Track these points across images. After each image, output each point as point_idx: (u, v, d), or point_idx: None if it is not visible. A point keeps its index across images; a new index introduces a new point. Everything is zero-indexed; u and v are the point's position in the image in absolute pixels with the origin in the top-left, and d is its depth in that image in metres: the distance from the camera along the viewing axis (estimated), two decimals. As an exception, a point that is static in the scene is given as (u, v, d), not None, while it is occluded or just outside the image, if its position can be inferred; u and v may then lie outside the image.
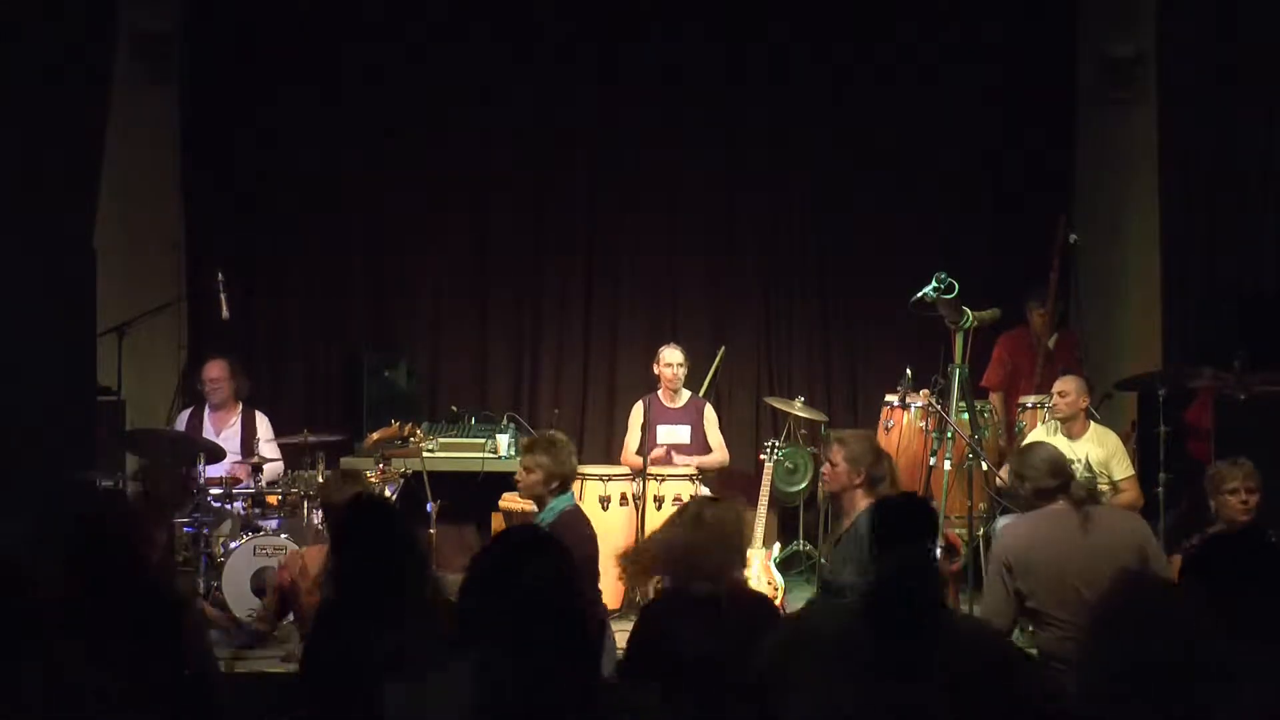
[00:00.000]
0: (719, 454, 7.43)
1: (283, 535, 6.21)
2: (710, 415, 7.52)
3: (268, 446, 7.05)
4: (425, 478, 6.68)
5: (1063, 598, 4.38)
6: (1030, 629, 4.71)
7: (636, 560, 4.14)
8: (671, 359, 7.44)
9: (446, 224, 8.44)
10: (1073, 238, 7.20)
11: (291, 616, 5.28)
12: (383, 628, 3.30)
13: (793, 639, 3.32)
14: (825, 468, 5.13)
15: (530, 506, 6.35)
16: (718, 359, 8.07)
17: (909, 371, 6.90)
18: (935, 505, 6.22)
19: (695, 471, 7.03)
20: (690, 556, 3.83)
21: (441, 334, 8.45)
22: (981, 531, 6.51)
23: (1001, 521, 6.36)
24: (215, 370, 7.25)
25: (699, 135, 8.42)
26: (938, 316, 6.30)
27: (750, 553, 6.80)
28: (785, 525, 7.69)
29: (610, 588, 6.39)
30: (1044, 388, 6.86)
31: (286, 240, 8.38)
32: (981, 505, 6.46)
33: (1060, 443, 6.42)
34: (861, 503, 4.91)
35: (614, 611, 6.31)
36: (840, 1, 8.32)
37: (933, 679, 2.93)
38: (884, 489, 4.93)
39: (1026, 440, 6.62)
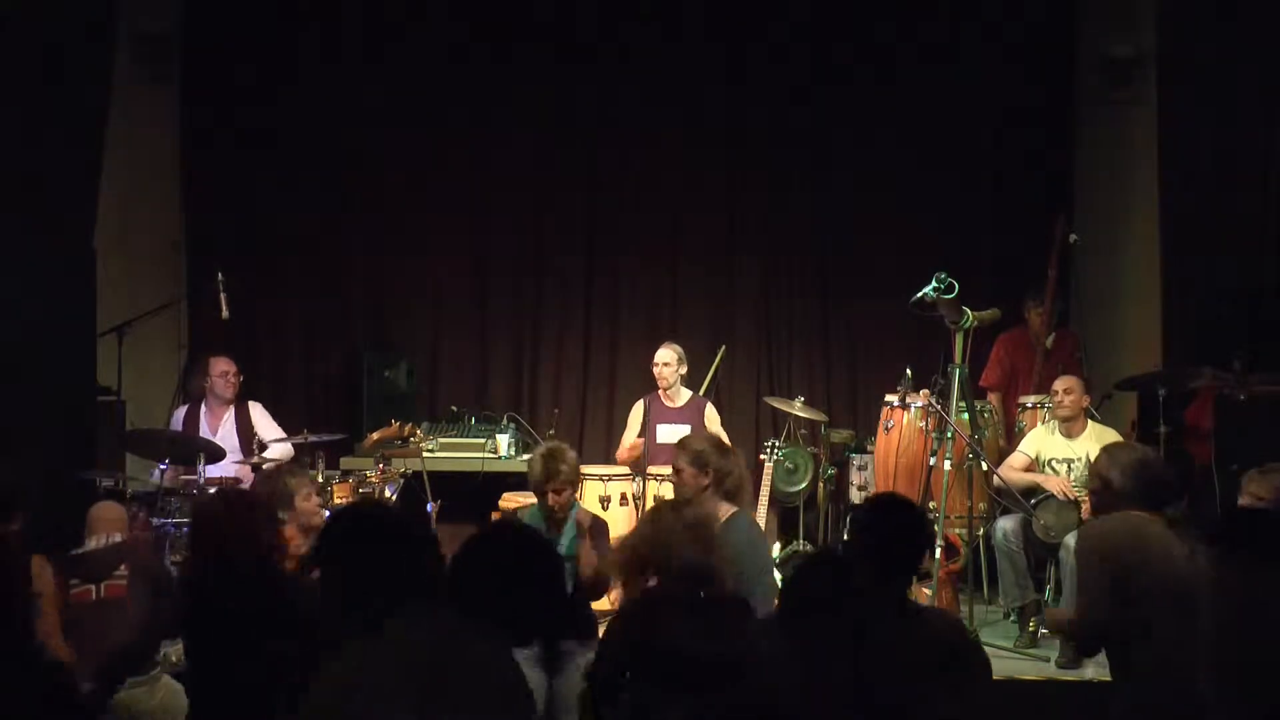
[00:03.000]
0: (725, 451, 7.41)
1: (283, 535, 6.19)
2: (711, 414, 7.51)
3: (272, 430, 7.06)
4: (425, 478, 6.69)
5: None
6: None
7: (624, 567, 4.09)
8: (659, 358, 7.42)
9: (446, 224, 8.45)
10: (1073, 237, 7.21)
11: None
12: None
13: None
14: (672, 476, 5.02)
15: (526, 501, 6.36)
16: (718, 359, 8.07)
17: (909, 371, 6.89)
18: (934, 504, 6.25)
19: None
20: (672, 553, 3.82)
21: (441, 334, 8.46)
22: (981, 531, 6.51)
23: (1003, 521, 6.38)
24: (226, 364, 7.25)
25: (699, 135, 8.42)
26: (938, 316, 6.30)
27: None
28: (785, 525, 7.69)
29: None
30: (1043, 387, 6.86)
31: (286, 240, 8.38)
32: (981, 505, 6.46)
33: (1059, 442, 6.45)
34: (720, 508, 4.80)
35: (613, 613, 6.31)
36: (840, 2, 8.33)
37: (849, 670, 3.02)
38: (733, 484, 4.85)
39: (1030, 437, 6.63)
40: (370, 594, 2.71)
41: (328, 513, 5.96)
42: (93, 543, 4.83)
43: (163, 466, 6.60)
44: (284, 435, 7.10)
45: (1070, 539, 5.97)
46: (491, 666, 2.59)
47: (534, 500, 5.80)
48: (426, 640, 2.57)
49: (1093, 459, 6.24)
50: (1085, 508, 6.13)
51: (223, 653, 3.76)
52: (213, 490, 5.35)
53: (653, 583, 3.86)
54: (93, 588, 4.69)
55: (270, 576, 3.92)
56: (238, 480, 6.79)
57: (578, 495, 6.72)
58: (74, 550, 4.82)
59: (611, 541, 4.88)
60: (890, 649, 3.26)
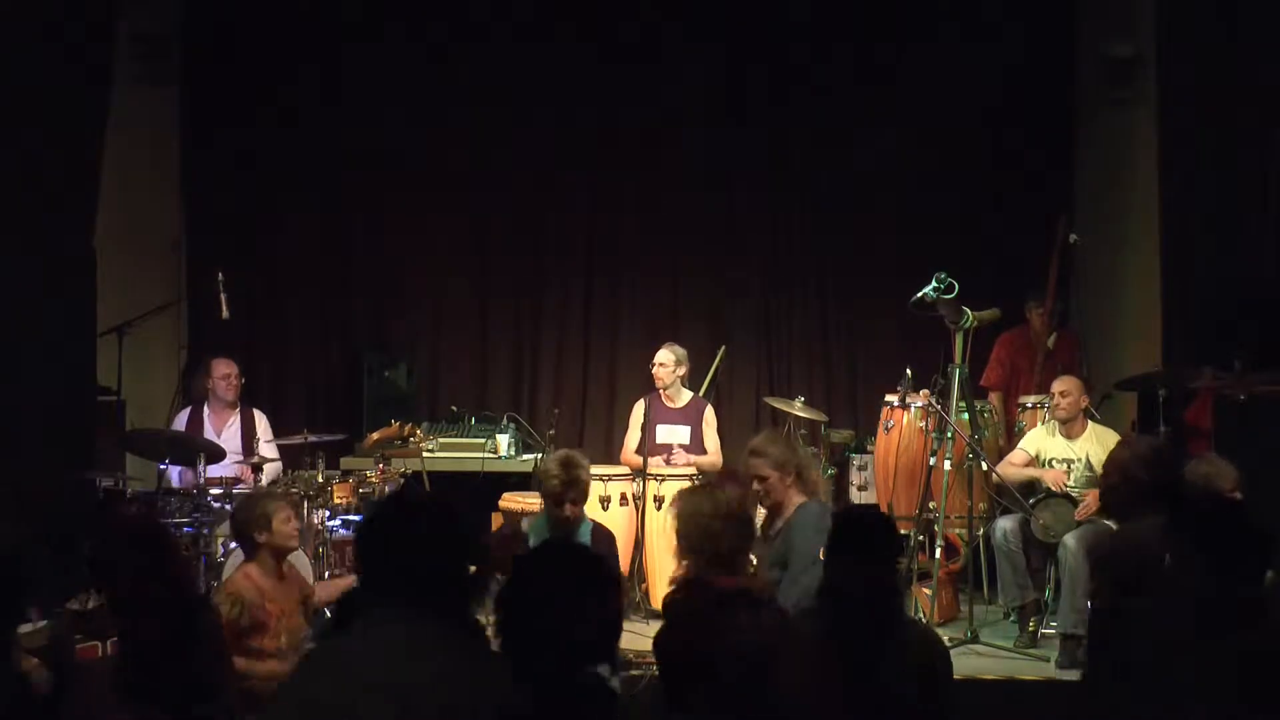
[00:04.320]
0: (713, 457, 7.40)
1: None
2: (709, 417, 7.51)
3: (267, 447, 7.05)
4: (425, 478, 6.70)
5: None
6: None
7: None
8: (656, 358, 7.42)
9: (446, 224, 8.46)
10: (1073, 237, 7.21)
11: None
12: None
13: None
14: (755, 484, 4.98)
15: (530, 505, 6.37)
16: (718, 359, 8.07)
17: (909, 371, 6.90)
18: (934, 504, 6.25)
19: (695, 471, 7.03)
20: (715, 540, 3.84)
21: (441, 334, 8.47)
22: (981, 531, 6.51)
23: (1003, 521, 6.38)
24: (227, 366, 7.26)
25: (699, 136, 8.42)
26: (938, 316, 6.31)
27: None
28: (785, 525, 7.69)
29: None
30: (1044, 387, 6.86)
31: (286, 240, 8.39)
32: (981, 505, 6.46)
33: (1059, 443, 6.44)
34: (795, 499, 4.83)
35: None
36: (840, 3, 8.32)
37: (894, 681, 3.09)
38: (810, 473, 4.87)
39: (1030, 435, 6.63)
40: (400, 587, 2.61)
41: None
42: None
43: (162, 466, 6.61)
44: (277, 455, 7.09)
45: (1070, 539, 5.97)
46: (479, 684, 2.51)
47: (536, 504, 5.78)
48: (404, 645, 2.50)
49: (1094, 459, 6.28)
50: (1084, 506, 6.14)
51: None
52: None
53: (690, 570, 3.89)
54: (99, 644, 4.61)
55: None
56: (238, 480, 6.80)
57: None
58: (76, 603, 4.75)
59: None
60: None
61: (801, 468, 4.88)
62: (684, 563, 3.95)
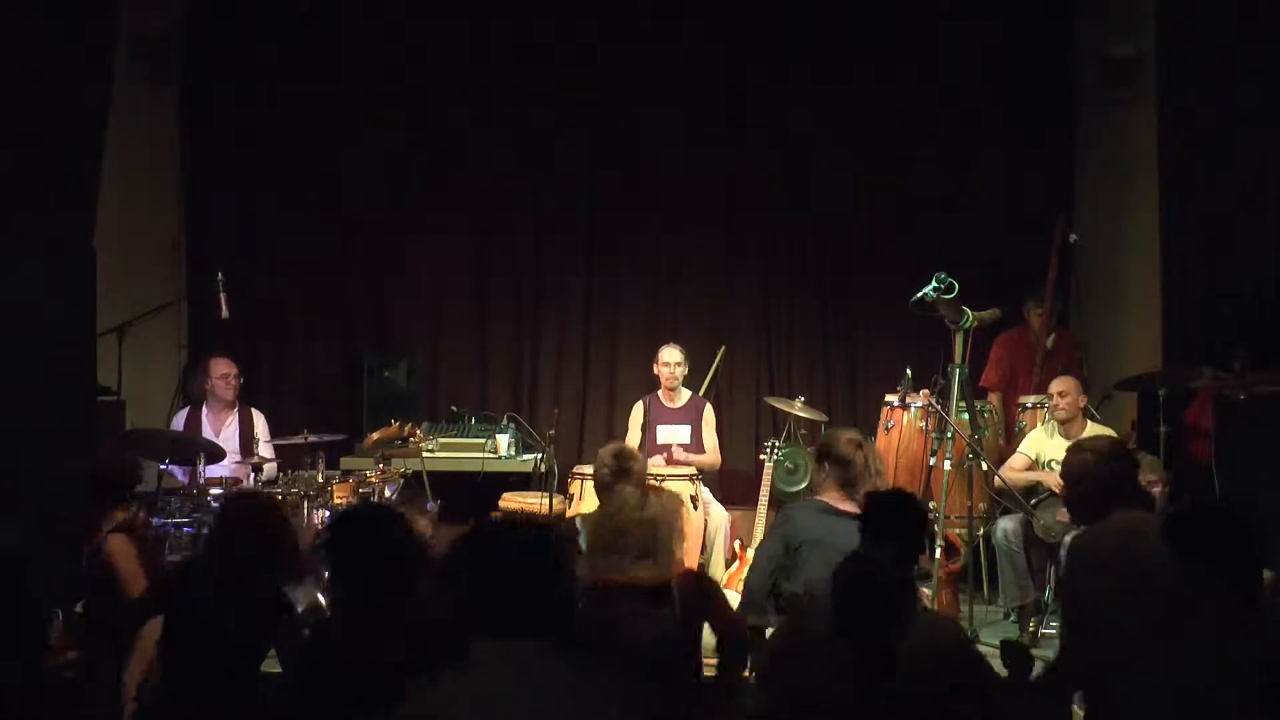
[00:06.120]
0: (711, 456, 7.41)
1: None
2: (709, 416, 7.52)
3: (265, 447, 7.05)
4: (425, 478, 6.69)
5: None
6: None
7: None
8: (669, 358, 7.44)
9: (446, 224, 8.45)
10: (1072, 237, 7.21)
11: None
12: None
13: (788, 638, 3.40)
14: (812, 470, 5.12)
15: (530, 505, 6.38)
16: (718, 359, 8.08)
17: (909, 371, 6.90)
18: (934, 505, 6.26)
19: (695, 471, 7.03)
20: (628, 539, 3.88)
21: (441, 334, 8.46)
22: (981, 531, 6.52)
23: (1003, 521, 6.38)
24: (226, 365, 7.26)
25: (699, 135, 8.42)
26: (938, 316, 6.31)
27: (751, 551, 6.80)
28: (785, 525, 7.69)
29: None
30: (1043, 387, 6.87)
31: (286, 240, 8.39)
32: (981, 505, 6.47)
33: (1059, 443, 6.44)
34: (827, 494, 4.87)
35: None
36: (840, 3, 8.32)
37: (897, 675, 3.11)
38: (854, 474, 4.86)
39: (1030, 438, 6.63)
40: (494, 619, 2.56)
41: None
42: None
43: (162, 466, 6.61)
44: (273, 456, 7.08)
45: (1071, 539, 5.98)
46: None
47: (537, 504, 5.78)
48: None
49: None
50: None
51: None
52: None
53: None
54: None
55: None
56: (238, 480, 6.79)
57: (579, 496, 6.77)
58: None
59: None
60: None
61: (837, 463, 4.90)
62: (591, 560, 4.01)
